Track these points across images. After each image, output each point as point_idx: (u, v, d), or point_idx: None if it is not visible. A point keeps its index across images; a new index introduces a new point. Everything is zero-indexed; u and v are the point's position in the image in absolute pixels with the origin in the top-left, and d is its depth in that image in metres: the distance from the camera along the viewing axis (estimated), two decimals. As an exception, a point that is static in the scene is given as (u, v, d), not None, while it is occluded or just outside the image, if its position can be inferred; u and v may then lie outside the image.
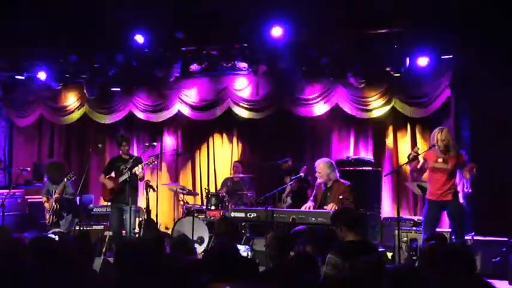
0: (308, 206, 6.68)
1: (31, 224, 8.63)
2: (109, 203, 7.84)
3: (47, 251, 3.65)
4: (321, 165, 6.74)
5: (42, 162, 10.18)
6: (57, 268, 3.48)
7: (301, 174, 7.79)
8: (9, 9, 7.87)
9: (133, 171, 7.35)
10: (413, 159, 6.13)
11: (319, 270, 3.83)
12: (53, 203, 7.75)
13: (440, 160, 6.13)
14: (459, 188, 6.88)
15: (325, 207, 6.43)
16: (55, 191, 7.77)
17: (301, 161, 8.82)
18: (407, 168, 6.28)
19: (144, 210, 8.23)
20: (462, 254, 3.21)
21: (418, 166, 6.22)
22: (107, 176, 7.71)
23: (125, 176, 7.39)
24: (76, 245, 4.06)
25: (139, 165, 7.38)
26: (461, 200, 6.70)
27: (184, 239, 4.58)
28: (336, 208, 6.13)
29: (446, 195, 6.12)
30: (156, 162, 7.58)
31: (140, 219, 8.43)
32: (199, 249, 7.59)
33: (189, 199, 9.29)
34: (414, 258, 6.80)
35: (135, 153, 8.55)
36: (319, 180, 6.74)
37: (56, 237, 4.07)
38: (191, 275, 3.27)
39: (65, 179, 7.75)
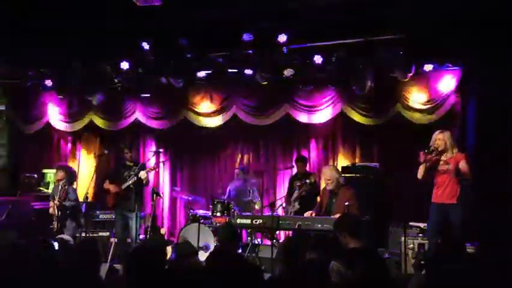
0: (310, 213, 6.67)
1: (37, 231, 8.64)
2: (113, 210, 7.88)
3: (47, 257, 3.65)
4: (328, 172, 6.71)
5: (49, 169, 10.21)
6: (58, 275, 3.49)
7: (307, 181, 7.79)
8: (15, 17, 7.92)
9: (138, 177, 7.40)
10: (431, 151, 6.10)
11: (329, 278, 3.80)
12: (55, 210, 7.78)
13: (441, 162, 6.12)
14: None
15: (332, 216, 6.39)
16: (57, 195, 7.81)
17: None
18: (421, 170, 6.24)
19: (150, 217, 8.24)
20: None
21: (427, 165, 6.16)
22: (111, 183, 7.76)
23: (128, 183, 7.47)
24: (81, 251, 4.05)
25: (143, 172, 7.44)
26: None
27: (187, 246, 4.58)
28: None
29: (451, 198, 6.07)
30: (157, 169, 7.65)
31: (146, 225, 8.45)
32: (205, 256, 7.58)
33: (195, 206, 9.28)
34: (422, 263, 6.74)
35: (142, 160, 8.58)
36: (328, 188, 6.69)
37: (56, 245, 4.04)
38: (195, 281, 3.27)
39: (60, 185, 7.78)
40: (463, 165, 6.04)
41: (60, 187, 7.82)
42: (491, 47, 6.97)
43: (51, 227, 7.88)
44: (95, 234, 8.32)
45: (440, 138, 6.13)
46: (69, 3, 7.33)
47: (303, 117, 8.98)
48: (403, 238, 6.69)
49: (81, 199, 8.33)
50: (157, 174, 9.98)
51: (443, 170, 6.11)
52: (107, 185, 7.82)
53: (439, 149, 6.09)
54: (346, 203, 6.37)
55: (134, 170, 7.54)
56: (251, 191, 8.82)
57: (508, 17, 6.72)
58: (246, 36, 7.76)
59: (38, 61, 9.05)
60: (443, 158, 6.13)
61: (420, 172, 6.24)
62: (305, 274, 3.47)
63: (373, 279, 3.02)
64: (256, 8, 7.40)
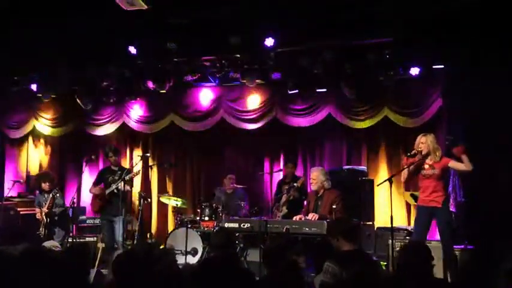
0: (299, 217, 6.69)
1: (22, 237, 8.55)
2: (99, 215, 7.91)
3: (39, 263, 3.62)
4: (315, 173, 6.77)
5: (35, 174, 10.12)
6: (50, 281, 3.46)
7: (295, 184, 7.80)
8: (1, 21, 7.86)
9: (123, 181, 7.40)
10: (413, 155, 6.12)
11: (303, 280, 3.81)
12: (43, 217, 7.73)
13: (427, 167, 6.14)
14: (451, 198, 6.88)
15: (306, 217, 6.43)
16: (45, 203, 7.75)
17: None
18: (404, 173, 6.26)
19: (137, 221, 8.22)
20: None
21: (411, 168, 6.18)
22: (96, 187, 7.80)
23: (111, 188, 7.50)
24: (69, 257, 4.02)
25: (127, 177, 7.45)
26: (452, 209, 6.68)
27: (167, 252, 4.56)
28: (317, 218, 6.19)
29: (437, 202, 6.09)
30: (139, 174, 7.71)
31: (133, 230, 8.42)
32: (193, 260, 7.56)
33: (183, 210, 9.25)
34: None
35: (128, 164, 8.56)
36: (312, 188, 6.77)
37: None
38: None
39: (51, 194, 7.74)
40: (453, 164, 6.07)
41: (51, 195, 7.76)
42: (477, 50, 7.02)
43: (38, 233, 7.81)
44: (82, 240, 8.27)
45: (423, 142, 6.15)
46: (56, 6, 7.30)
47: (291, 121, 9.00)
48: (390, 241, 6.71)
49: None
50: (144, 179, 9.94)
51: (428, 175, 6.14)
52: (92, 189, 7.87)
53: (423, 153, 6.12)
54: (334, 206, 6.41)
55: (119, 175, 7.55)
56: (241, 197, 8.81)
57: (493, 19, 6.78)
58: (233, 40, 7.76)
59: (24, 65, 8.97)
60: (427, 161, 6.15)
61: (403, 176, 6.28)
62: (287, 275, 3.48)
63: (366, 280, 3.04)
64: (243, 10, 7.40)
